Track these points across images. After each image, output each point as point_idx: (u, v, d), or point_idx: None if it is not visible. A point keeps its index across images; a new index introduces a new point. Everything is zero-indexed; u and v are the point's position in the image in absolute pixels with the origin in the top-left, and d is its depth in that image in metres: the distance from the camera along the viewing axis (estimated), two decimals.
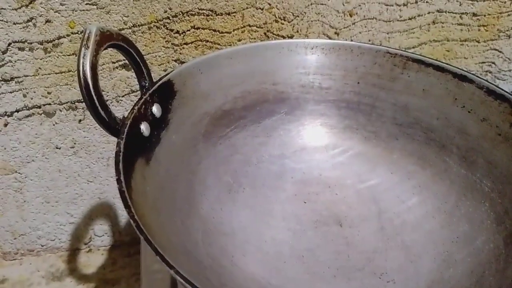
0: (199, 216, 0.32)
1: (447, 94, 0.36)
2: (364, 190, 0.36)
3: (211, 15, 0.42)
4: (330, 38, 0.46)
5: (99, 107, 0.25)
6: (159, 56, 0.42)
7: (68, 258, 0.50)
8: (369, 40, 0.47)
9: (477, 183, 0.34)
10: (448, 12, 0.47)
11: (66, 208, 0.48)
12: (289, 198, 0.36)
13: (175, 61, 0.43)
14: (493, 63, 0.51)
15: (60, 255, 0.50)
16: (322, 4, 0.44)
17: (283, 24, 0.44)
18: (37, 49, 0.40)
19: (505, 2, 0.48)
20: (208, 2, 0.41)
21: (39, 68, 0.41)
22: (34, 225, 0.48)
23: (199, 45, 0.43)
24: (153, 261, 0.36)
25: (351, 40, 0.46)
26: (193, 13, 0.41)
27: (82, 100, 0.43)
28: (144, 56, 0.42)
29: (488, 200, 0.32)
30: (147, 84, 0.31)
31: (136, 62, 0.30)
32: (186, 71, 0.34)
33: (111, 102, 0.43)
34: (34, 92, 0.41)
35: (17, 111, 0.42)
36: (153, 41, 0.42)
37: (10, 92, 0.41)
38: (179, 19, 0.41)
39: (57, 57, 0.40)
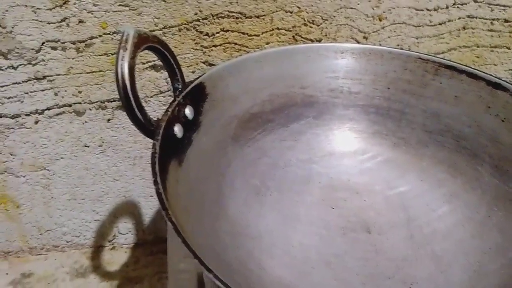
0: (227, 218, 0.32)
1: (480, 102, 0.36)
2: (393, 197, 0.36)
3: (241, 18, 0.42)
4: (358, 42, 0.45)
5: (135, 109, 0.26)
6: (188, 58, 0.43)
7: (92, 255, 0.51)
8: (398, 45, 0.46)
9: (510, 193, 0.33)
10: (479, 17, 0.47)
11: (92, 206, 0.49)
12: (317, 203, 0.36)
13: (203, 63, 0.43)
14: None
15: (84, 251, 0.51)
16: (351, 8, 0.44)
17: (311, 27, 0.44)
18: (69, 48, 0.40)
19: None
20: (238, 5, 0.41)
21: (71, 67, 0.41)
22: (60, 222, 0.49)
23: (227, 48, 0.43)
24: (180, 261, 0.36)
25: (380, 45, 0.46)
26: (223, 15, 0.41)
27: (111, 100, 0.44)
28: None
29: None
30: (180, 86, 0.31)
31: (170, 64, 0.30)
32: (217, 74, 0.35)
33: None
34: (65, 91, 0.42)
35: (48, 109, 0.43)
36: (183, 43, 0.42)
37: (42, 91, 0.42)
38: (208, 21, 0.41)
39: (89, 57, 0.41)
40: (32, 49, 0.40)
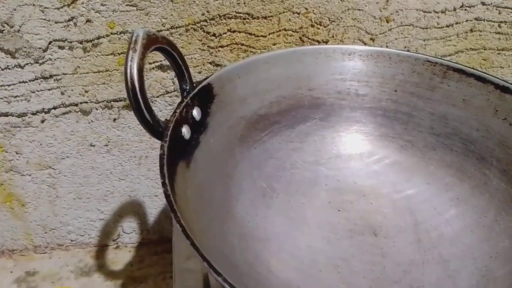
0: (235, 220, 0.32)
1: (488, 106, 0.36)
2: (400, 200, 0.36)
3: (248, 19, 0.42)
4: (365, 44, 0.45)
5: (144, 110, 0.26)
6: (195, 58, 0.43)
7: (97, 254, 0.51)
8: (405, 47, 0.46)
9: None
10: (487, 20, 0.46)
11: (97, 205, 0.49)
12: (323, 205, 0.36)
13: (210, 63, 0.43)
14: None
15: (88, 250, 0.51)
16: (359, 9, 0.43)
17: (318, 29, 0.44)
18: (76, 48, 0.40)
19: None
20: (245, 6, 0.41)
21: (78, 67, 0.41)
22: (65, 220, 0.49)
23: (234, 48, 0.43)
24: (186, 261, 0.36)
25: (387, 47, 0.46)
26: (230, 16, 0.41)
27: (118, 99, 0.44)
28: None
29: None
30: (188, 87, 0.31)
31: (178, 65, 0.30)
32: (225, 75, 0.35)
33: None
34: (72, 90, 0.42)
35: (54, 108, 0.43)
36: (190, 43, 0.42)
37: (49, 90, 0.42)
38: (216, 22, 0.41)
39: (96, 57, 0.41)
40: (40, 48, 0.40)
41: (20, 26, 0.39)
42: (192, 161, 0.29)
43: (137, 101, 0.25)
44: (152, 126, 0.27)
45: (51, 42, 0.40)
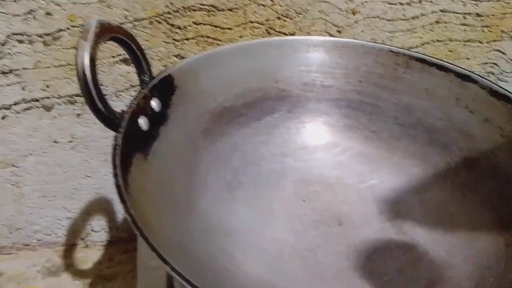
0: (199, 214, 0.32)
1: (450, 95, 0.36)
2: (364, 190, 0.36)
3: (213, 11, 0.41)
4: (332, 36, 0.45)
5: (97, 100, 0.25)
6: (160, 52, 0.42)
7: (65, 253, 0.50)
8: (372, 39, 0.46)
9: (480, 185, 0.33)
10: (452, 12, 0.47)
11: (63, 203, 0.48)
12: (290, 197, 0.36)
13: (176, 56, 0.42)
14: (496, 64, 0.51)
15: (56, 250, 0.50)
16: (325, 2, 0.43)
17: (285, 21, 0.43)
18: (36, 42, 0.39)
19: (509, 3, 0.47)
20: None
21: (38, 61, 0.40)
22: (31, 220, 0.48)
23: (200, 41, 0.42)
24: (150, 258, 0.35)
25: (354, 39, 0.46)
26: (195, 8, 0.41)
27: (81, 94, 0.42)
28: (145, 51, 0.42)
29: (490, 202, 0.32)
30: (147, 79, 0.30)
31: (136, 56, 0.30)
32: (187, 66, 0.34)
33: (110, 97, 0.43)
34: (33, 85, 0.41)
35: (15, 104, 0.42)
36: (154, 36, 0.41)
37: (9, 85, 0.41)
38: (180, 14, 0.41)
39: (57, 51, 0.40)
40: None
41: None
42: (150, 153, 0.29)
43: (89, 91, 0.25)
44: (107, 117, 0.26)
45: (9, 36, 0.39)
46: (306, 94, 0.39)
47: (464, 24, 0.48)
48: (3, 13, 0.38)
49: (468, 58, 0.50)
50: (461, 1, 0.47)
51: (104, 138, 0.45)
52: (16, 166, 0.45)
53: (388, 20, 0.46)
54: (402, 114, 0.37)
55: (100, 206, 0.49)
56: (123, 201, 0.22)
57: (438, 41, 0.48)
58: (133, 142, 0.27)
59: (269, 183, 0.36)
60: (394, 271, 0.30)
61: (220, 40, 0.43)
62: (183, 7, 0.40)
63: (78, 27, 0.39)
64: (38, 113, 0.42)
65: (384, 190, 0.36)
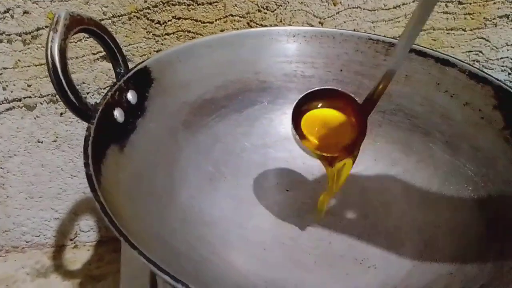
0: (178, 205, 0.31)
1: (430, 80, 0.36)
2: (347, 177, 0.35)
3: (192, 5, 0.41)
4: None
5: (68, 91, 0.25)
6: (141, 47, 0.42)
7: (54, 254, 0.49)
8: (354, 30, 0.46)
9: (461, 168, 0.33)
10: None
11: (50, 204, 0.47)
12: (272, 186, 0.36)
13: (157, 51, 0.42)
14: (480, 52, 0.51)
15: (45, 251, 0.50)
16: None
17: (266, 13, 0.43)
18: (15, 41, 0.39)
19: None
20: None
21: (18, 60, 0.40)
22: (18, 221, 0.48)
23: (181, 36, 0.42)
24: (132, 253, 0.35)
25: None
26: (174, 2, 0.41)
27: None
28: (125, 47, 0.42)
29: (472, 184, 0.32)
30: (122, 71, 0.30)
31: (110, 48, 0.30)
32: (164, 58, 0.34)
33: (92, 95, 0.43)
34: (14, 84, 0.41)
35: None
36: (134, 32, 0.41)
37: None
38: (159, 9, 0.41)
39: (37, 49, 0.40)
40: None
41: None
42: (127, 145, 0.29)
43: (60, 83, 0.25)
44: (80, 109, 0.26)
45: None
46: (287, 85, 0.39)
47: (446, 12, 0.48)
48: None
49: (452, 47, 0.50)
50: None
51: None
52: (0, 168, 0.44)
53: (370, 10, 0.46)
54: (383, 101, 0.37)
55: (87, 206, 0.49)
56: (93, 189, 0.21)
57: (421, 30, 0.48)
58: (108, 134, 0.27)
59: (251, 174, 0.36)
60: (377, 257, 0.30)
61: (201, 35, 0.43)
62: (162, 1, 0.40)
63: None
64: (20, 113, 0.42)
65: (367, 177, 0.36)
